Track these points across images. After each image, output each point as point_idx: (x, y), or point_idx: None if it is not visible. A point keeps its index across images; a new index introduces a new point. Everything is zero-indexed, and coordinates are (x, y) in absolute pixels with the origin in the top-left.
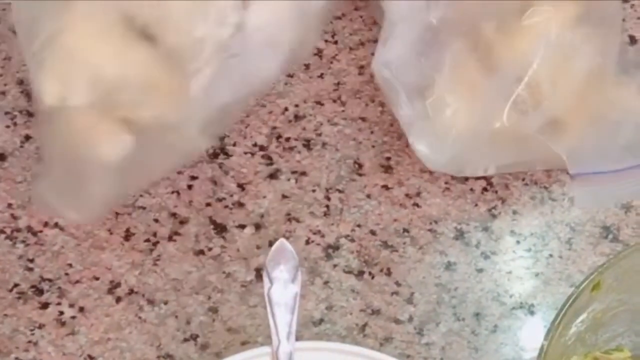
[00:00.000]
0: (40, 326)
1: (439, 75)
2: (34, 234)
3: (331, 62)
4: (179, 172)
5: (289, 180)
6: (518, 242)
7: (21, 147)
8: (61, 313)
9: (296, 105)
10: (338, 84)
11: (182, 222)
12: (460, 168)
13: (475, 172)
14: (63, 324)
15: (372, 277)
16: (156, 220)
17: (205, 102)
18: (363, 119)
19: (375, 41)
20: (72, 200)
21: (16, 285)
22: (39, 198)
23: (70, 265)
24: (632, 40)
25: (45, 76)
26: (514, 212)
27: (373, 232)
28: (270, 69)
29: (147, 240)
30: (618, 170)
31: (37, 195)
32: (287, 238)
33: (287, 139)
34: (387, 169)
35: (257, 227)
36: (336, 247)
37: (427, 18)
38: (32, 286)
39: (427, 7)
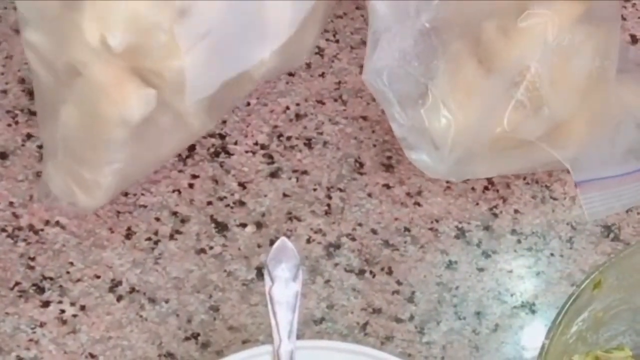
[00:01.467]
0: (42, 324)
1: (434, 81)
2: (36, 232)
3: (332, 61)
4: (180, 171)
5: (290, 179)
6: (519, 241)
7: (22, 145)
8: (62, 311)
9: (297, 104)
10: (339, 82)
11: (184, 221)
12: (461, 176)
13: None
14: (64, 322)
15: (373, 276)
16: (157, 219)
17: (204, 77)
18: (364, 118)
19: None
20: (80, 181)
21: (17, 283)
22: (45, 183)
23: (71, 263)
24: (633, 39)
25: (86, 15)
26: (515, 211)
27: (374, 231)
28: (258, 52)
29: (149, 239)
30: (622, 174)
31: (43, 180)
32: (288, 237)
33: (288, 138)
34: (388, 167)
35: (258, 225)
36: (337, 246)
37: (417, 22)
38: (34, 284)
39: (417, 10)
